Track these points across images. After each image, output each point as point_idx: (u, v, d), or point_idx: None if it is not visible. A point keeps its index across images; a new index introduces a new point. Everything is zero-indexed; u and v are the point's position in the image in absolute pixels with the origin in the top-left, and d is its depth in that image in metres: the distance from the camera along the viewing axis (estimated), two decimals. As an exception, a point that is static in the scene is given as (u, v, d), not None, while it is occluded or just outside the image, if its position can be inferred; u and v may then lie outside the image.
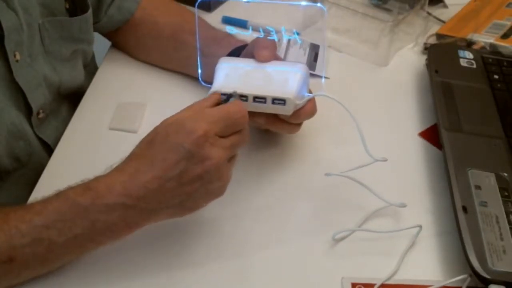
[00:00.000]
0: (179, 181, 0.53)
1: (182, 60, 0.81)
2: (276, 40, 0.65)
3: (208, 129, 0.53)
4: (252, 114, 0.60)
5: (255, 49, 0.64)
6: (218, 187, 0.56)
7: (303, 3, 0.69)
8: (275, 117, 0.64)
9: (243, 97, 0.60)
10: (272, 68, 0.64)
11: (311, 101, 0.64)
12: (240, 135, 0.57)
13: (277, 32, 0.67)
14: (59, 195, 0.55)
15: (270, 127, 0.66)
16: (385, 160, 0.63)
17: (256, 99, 0.61)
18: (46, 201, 0.55)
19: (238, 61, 0.65)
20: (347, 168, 0.64)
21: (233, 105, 0.57)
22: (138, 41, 0.85)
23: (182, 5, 0.88)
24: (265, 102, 0.61)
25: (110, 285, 0.58)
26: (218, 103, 0.58)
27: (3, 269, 0.53)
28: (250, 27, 0.66)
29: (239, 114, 0.56)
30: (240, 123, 0.56)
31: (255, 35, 0.66)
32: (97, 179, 0.55)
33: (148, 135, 0.56)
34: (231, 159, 0.57)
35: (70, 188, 0.55)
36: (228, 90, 0.60)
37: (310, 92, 0.66)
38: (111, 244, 0.57)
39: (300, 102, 0.63)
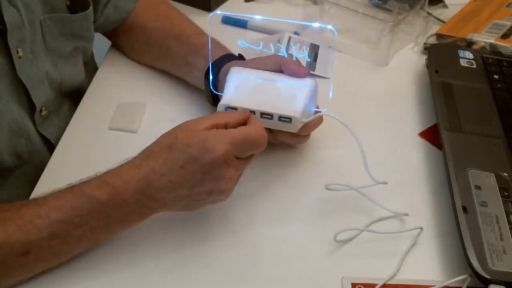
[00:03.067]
0: (190, 190, 0.56)
1: (169, 65, 0.82)
2: (286, 55, 0.67)
3: (228, 150, 0.55)
4: None
5: (288, 67, 0.65)
6: (223, 198, 0.59)
7: (315, 25, 0.69)
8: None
9: (250, 112, 0.61)
10: (281, 82, 0.64)
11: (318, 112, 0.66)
12: (252, 156, 0.59)
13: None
14: (73, 190, 0.56)
15: (278, 138, 0.67)
16: (385, 183, 0.63)
17: (264, 115, 0.62)
18: (60, 195, 0.56)
19: (248, 72, 0.66)
20: (351, 176, 0.64)
21: (255, 129, 0.58)
22: (131, 45, 0.86)
23: (173, 5, 0.87)
24: (271, 119, 0.62)
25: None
26: (243, 123, 0.59)
27: (18, 263, 0.54)
28: (261, 43, 0.66)
29: (261, 140, 0.58)
30: (260, 147, 0.58)
31: (265, 50, 0.67)
32: (113, 173, 0.56)
33: (167, 137, 0.57)
34: (239, 175, 0.59)
35: (84, 183, 0.56)
36: (237, 104, 0.62)
37: (317, 107, 0.67)
38: (123, 232, 0.59)
39: (306, 120, 0.63)
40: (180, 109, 0.78)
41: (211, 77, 0.69)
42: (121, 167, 0.57)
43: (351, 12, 0.88)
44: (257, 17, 0.68)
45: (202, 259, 0.60)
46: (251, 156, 0.59)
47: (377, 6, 0.92)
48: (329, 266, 0.60)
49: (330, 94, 0.65)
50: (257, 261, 0.61)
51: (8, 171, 0.70)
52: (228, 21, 0.94)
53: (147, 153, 0.57)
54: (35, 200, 0.57)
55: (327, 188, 0.65)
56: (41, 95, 0.71)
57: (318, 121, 0.67)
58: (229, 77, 0.65)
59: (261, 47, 0.67)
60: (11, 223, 0.53)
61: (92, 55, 0.89)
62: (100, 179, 0.56)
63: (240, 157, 0.57)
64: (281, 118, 0.62)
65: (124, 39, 0.86)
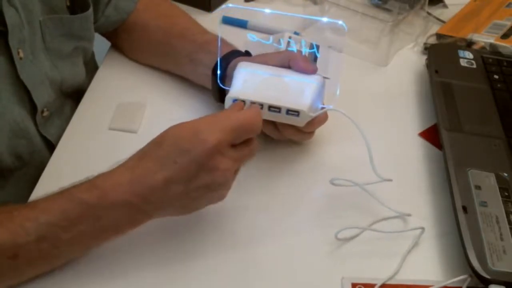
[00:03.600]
0: (186, 186, 0.54)
1: (173, 64, 0.82)
2: (295, 51, 0.66)
3: (221, 139, 0.53)
4: (266, 122, 0.62)
5: (296, 63, 0.65)
6: (221, 194, 0.57)
7: (324, 19, 0.69)
8: (289, 124, 0.65)
9: (258, 105, 0.61)
10: (289, 77, 0.65)
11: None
12: (249, 148, 0.58)
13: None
14: (63, 193, 0.55)
15: (284, 134, 0.67)
16: (390, 180, 0.63)
17: (271, 108, 0.62)
18: (50, 199, 0.55)
19: (256, 67, 0.66)
20: (354, 174, 0.64)
21: (250, 112, 0.57)
22: (132, 44, 0.86)
23: (175, 4, 0.88)
24: (279, 112, 0.62)
25: (123, 275, 0.58)
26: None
27: (7, 266, 0.53)
28: (271, 37, 0.66)
29: (252, 121, 0.56)
30: (254, 130, 0.57)
31: (275, 45, 0.67)
32: (103, 177, 0.55)
33: (158, 136, 0.56)
34: (236, 170, 0.58)
35: (74, 187, 0.55)
36: (245, 97, 0.62)
37: (323, 103, 0.67)
38: (114, 239, 0.57)
39: (314, 115, 0.64)
40: (180, 109, 0.78)
41: (218, 71, 0.69)
42: (112, 170, 0.55)
43: (351, 12, 0.88)
44: (267, 10, 0.67)
45: (200, 254, 0.60)
46: (246, 146, 0.57)
47: (377, 6, 0.92)
48: (329, 266, 0.60)
49: (337, 92, 0.65)
50: (257, 259, 0.60)
51: (9, 171, 0.70)
52: (228, 21, 0.94)
53: (140, 154, 0.55)
54: (28, 203, 0.56)
55: (332, 182, 0.64)
56: (43, 95, 0.71)
57: (324, 118, 0.67)
58: (236, 72, 0.66)
59: (271, 41, 0.67)
60: (1, 225, 0.53)
61: (93, 55, 0.89)
62: (90, 183, 0.55)
63: (235, 143, 0.55)
64: (289, 111, 0.62)
65: (125, 38, 0.86)
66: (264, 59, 0.68)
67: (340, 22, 0.63)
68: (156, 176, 0.53)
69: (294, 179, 0.69)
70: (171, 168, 0.53)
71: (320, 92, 0.65)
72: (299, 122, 0.63)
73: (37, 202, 0.55)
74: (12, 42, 0.65)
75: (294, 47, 0.66)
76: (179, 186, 0.54)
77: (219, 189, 0.56)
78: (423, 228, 0.62)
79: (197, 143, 0.53)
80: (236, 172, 0.58)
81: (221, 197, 0.58)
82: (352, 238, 0.62)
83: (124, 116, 0.76)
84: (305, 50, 0.66)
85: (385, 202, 0.63)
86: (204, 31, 0.80)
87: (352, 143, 0.63)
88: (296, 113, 0.62)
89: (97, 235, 0.56)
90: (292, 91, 0.64)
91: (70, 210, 0.53)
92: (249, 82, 0.64)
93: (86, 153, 0.72)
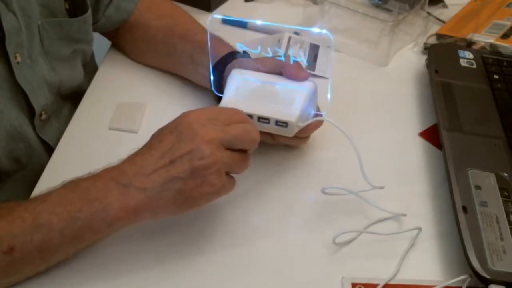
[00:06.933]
0: (170, 157, 0.55)
1: (174, 64, 0.82)
2: (283, 59, 0.66)
3: (201, 113, 0.57)
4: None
5: (287, 70, 0.65)
6: (209, 180, 0.55)
7: (315, 30, 0.69)
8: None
9: (248, 116, 0.61)
10: (281, 85, 0.65)
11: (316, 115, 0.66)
12: (237, 126, 0.57)
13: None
14: (64, 182, 0.57)
15: (278, 140, 0.67)
16: (381, 188, 0.63)
17: (261, 119, 0.62)
18: (51, 190, 0.56)
19: (249, 75, 0.66)
20: (350, 177, 0.64)
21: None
22: (133, 44, 0.86)
23: (176, 4, 0.88)
24: (268, 123, 0.63)
25: (124, 274, 0.59)
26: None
27: (3, 261, 0.53)
28: (259, 47, 0.66)
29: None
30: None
31: (263, 53, 0.67)
32: (103, 169, 0.57)
33: None
34: (225, 165, 0.56)
35: (77, 177, 0.57)
36: (235, 107, 0.61)
37: (318, 109, 0.67)
38: (108, 236, 0.57)
39: (303, 125, 0.64)
40: (180, 109, 0.76)
41: (212, 77, 0.69)
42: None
43: (351, 12, 0.88)
44: (258, 22, 0.68)
45: (199, 261, 0.60)
46: (234, 124, 0.57)
47: (377, 6, 0.93)
48: (328, 268, 0.60)
49: (328, 96, 0.65)
50: (257, 261, 0.60)
51: (7, 175, 0.70)
52: (228, 21, 0.94)
53: None
54: (30, 198, 0.57)
55: (323, 192, 0.64)
56: (40, 99, 0.71)
57: (318, 123, 0.67)
58: (230, 79, 0.66)
59: (259, 50, 0.67)
60: (1, 219, 0.54)
61: (92, 56, 0.89)
62: (90, 173, 0.57)
63: (217, 120, 0.57)
64: (278, 122, 0.62)
65: (126, 38, 0.86)
66: (259, 63, 0.68)
67: (325, 31, 0.63)
68: (143, 155, 0.56)
69: (289, 184, 0.69)
70: (158, 146, 0.56)
71: (312, 99, 0.65)
72: (288, 132, 0.63)
73: (39, 195, 0.56)
74: (10, 47, 0.65)
75: (282, 57, 0.66)
76: (164, 159, 0.55)
77: (207, 168, 0.54)
78: (419, 228, 0.62)
79: (178, 120, 0.57)
80: (231, 163, 0.56)
81: (210, 185, 0.55)
82: (350, 241, 0.62)
83: (124, 116, 0.76)
84: (293, 59, 0.66)
85: (385, 203, 0.63)
86: (205, 32, 0.79)
87: (348, 146, 0.63)
88: (284, 124, 0.62)
89: (89, 224, 0.54)
90: (283, 100, 0.64)
91: (66, 194, 0.55)
92: (240, 91, 0.64)
93: (86, 153, 0.72)
